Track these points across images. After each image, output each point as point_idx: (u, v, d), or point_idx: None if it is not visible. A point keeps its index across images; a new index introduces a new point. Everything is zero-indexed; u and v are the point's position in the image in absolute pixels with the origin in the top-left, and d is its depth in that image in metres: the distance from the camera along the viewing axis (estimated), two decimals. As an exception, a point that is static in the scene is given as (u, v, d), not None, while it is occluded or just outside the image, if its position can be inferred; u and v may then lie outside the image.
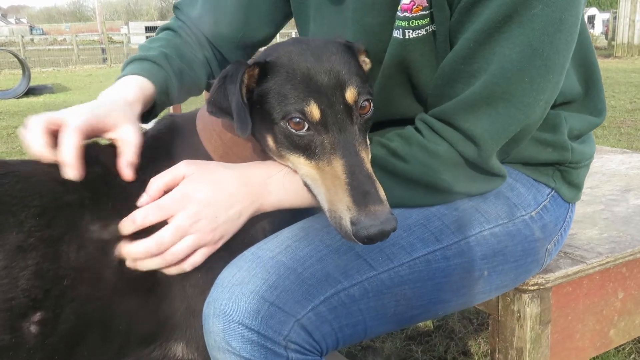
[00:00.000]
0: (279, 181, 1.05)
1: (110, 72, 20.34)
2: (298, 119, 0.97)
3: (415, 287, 1.05)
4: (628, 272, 1.40)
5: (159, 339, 1.04)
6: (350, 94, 0.99)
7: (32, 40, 34.47)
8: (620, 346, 2.10)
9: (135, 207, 1.01)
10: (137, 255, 0.99)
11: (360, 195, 0.90)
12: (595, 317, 1.38)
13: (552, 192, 1.19)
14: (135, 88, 1.18)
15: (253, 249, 1.02)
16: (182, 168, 1.03)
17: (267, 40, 1.49)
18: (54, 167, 0.99)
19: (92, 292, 0.96)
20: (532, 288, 1.22)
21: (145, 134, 1.13)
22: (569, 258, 1.30)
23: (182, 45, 1.38)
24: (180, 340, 1.04)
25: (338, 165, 0.94)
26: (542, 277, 1.22)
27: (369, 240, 0.88)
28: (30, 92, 12.48)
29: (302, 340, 0.95)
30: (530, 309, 1.23)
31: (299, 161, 1.00)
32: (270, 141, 1.02)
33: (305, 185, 1.02)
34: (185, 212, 0.99)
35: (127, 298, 1.00)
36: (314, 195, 1.01)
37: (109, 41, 28.93)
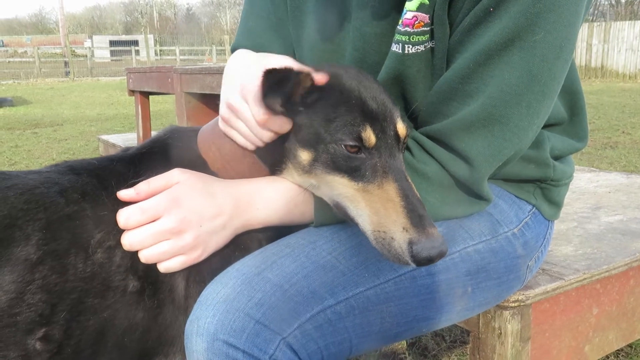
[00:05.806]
0: (266, 198, 1.04)
1: (72, 85, 19.90)
2: (353, 143, 0.96)
3: (401, 304, 1.04)
4: (602, 288, 1.43)
5: (159, 352, 1.02)
6: (401, 127, 1.01)
7: (-9, 52, 33.70)
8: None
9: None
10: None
11: (417, 218, 0.91)
12: (571, 333, 1.39)
13: (533, 209, 1.21)
14: None
15: (237, 265, 1.00)
16: (176, 175, 1.03)
17: None
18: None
19: (98, 304, 0.94)
20: (513, 305, 1.22)
21: (147, 141, 1.14)
22: (547, 274, 1.31)
23: None
24: (178, 353, 1.03)
25: (391, 189, 0.95)
26: (523, 294, 1.23)
27: (428, 261, 0.89)
28: (-11, 104, 12.18)
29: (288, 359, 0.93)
30: (511, 325, 1.23)
31: (341, 182, 0.98)
32: (304, 156, 1.00)
33: (337, 205, 1.01)
34: (170, 217, 0.99)
35: (132, 309, 0.98)
36: (352, 217, 0.98)
37: (72, 54, 28.41)
